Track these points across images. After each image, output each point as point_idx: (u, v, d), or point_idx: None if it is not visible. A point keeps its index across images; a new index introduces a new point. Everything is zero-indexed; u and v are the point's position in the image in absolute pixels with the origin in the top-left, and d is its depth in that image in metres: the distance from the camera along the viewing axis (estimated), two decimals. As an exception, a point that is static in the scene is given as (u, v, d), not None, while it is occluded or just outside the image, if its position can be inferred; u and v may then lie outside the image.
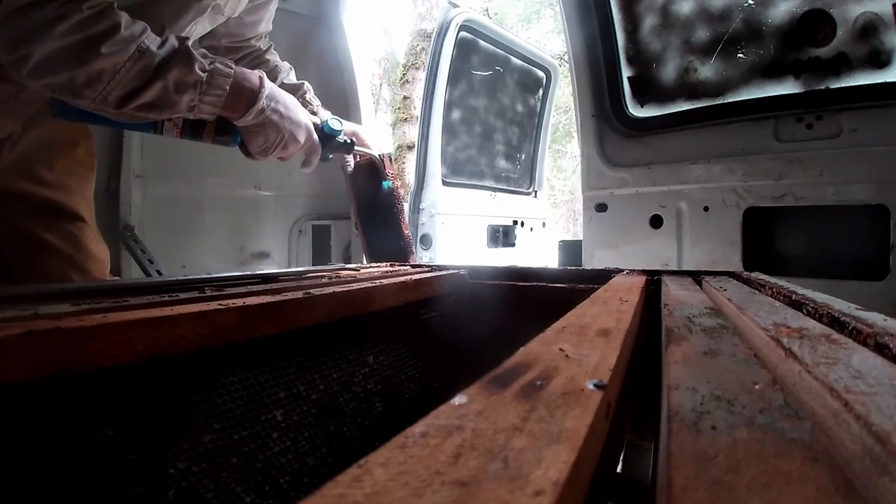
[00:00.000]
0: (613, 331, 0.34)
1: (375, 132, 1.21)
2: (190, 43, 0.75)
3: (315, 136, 0.96)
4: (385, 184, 1.20)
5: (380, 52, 9.80)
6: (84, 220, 1.02)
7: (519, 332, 0.36)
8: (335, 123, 1.03)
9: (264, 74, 0.85)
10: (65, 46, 0.67)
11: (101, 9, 0.69)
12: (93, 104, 0.71)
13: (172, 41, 0.74)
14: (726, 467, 0.16)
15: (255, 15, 1.09)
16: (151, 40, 0.72)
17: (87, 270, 1.00)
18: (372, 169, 1.20)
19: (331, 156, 1.05)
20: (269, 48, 1.19)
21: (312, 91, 1.17)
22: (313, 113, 1.05)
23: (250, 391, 0.49)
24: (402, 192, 1.26)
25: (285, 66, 1.19)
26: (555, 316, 0.39)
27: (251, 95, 0.81)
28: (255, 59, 1.15)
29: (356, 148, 1.09)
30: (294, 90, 1.13)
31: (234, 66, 0.80)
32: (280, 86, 1.10)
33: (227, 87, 0.78)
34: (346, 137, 1.06)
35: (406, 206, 2.62)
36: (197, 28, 0.92)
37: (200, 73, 0.75)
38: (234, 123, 0.84)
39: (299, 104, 0.92)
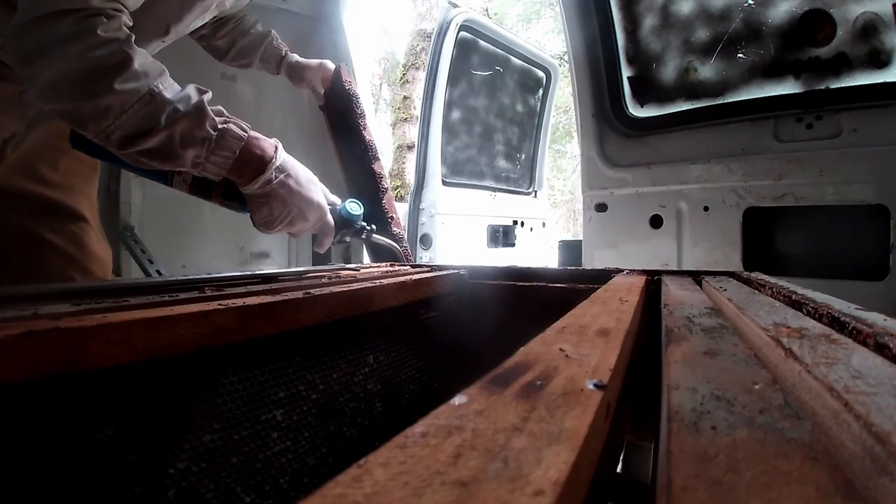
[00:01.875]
0: (613, 331, 0.34)
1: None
2: (207, 98, 0.72)
3: (328, 217, 0.89)
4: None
5: (380, 52, 9.81)
6: (86, 220, 1.02)
7: (519, 332, 0.36)
8: (353, 207, 0.95)
9: (280, 144, 0.82)
10: (75, 71, 0.65)
11: (115, 36, 0.66)
12: (96, 139, 0.69)
13: (190, 92, 0.71)
14: (726, 467, 0.16)
15: None
16: (167, 85, 0.70)
17: (88, 270, 1.00)
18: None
19: (347, 239, 0.98)
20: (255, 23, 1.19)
21: (279, 38, 1.18)
22: (282, 57, 1.04)
23: (250, 391, 0.49)
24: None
25: (266, 31, 1.20)
26: (555, 316, 0.39)
27: (260, 164, 0.77)
28: (239, 25, 1.15)
29: (375, 237, 1.02)
30: (262, 38, 1.16)
31: (248, 129, 0.77)
32: (250, 40, 1.09)
33: (237, 151, 0.74)
34: (364, 224, 0.98)
35: (407, 206, 2.63)
36: (197, 21, 0.92)
37: (211, 130, 0.72)
38: (240, 189, 0.80)
39: (316, 180, 0.88)
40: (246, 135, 0.76)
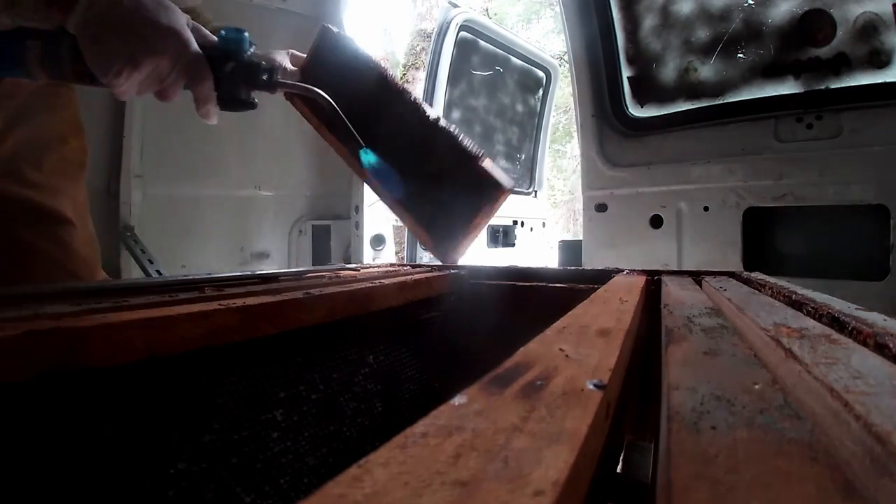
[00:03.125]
0: (613, 331, 0.34)
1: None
2: None
3: (194, 47, 0.64)
4: (363, 154, 0.79)
5: (380, 52, 9.80)
6: (72, 223, 0.99)
7: (519, 332, 0.36)
8: (230, 31, 0.68)
9: None
10: None
11: None
12: None
13: None
14: (726, 467, 0.16)
15: None
16: None
17: (74, 273, 0.98)
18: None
19: (246, 95, 0.70)
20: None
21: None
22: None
23: (250, 391, 0.49)
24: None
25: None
26: (555, 316, 0.39)
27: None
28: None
29: (282, 81, 0.75)
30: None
31: None
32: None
33: None
34: (259, 61, 0.70)
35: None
36: None
37: None
38: (68, 29, 0.61)
39: (171, 5, 0.64)
40: None
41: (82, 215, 1.01)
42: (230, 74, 0.67)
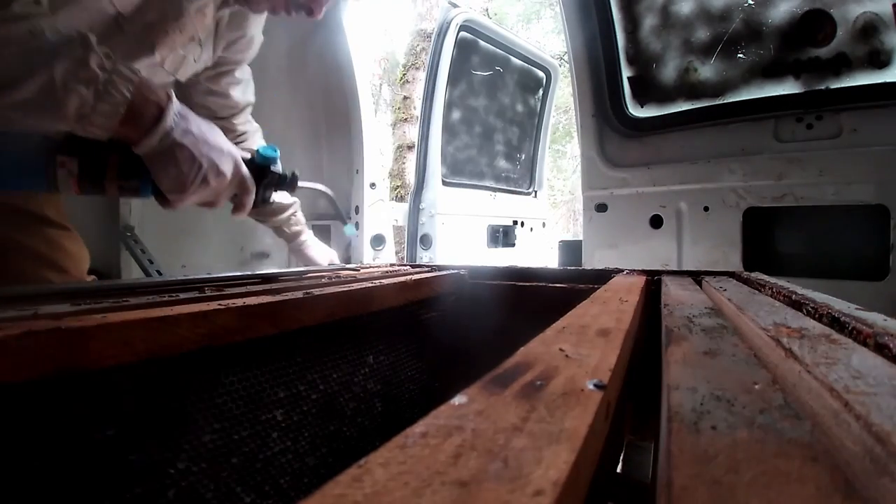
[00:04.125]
0: (613, 331, 0.34)
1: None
2: (93, 40, 0.59)
3: (243, 167, 0.77)
4: (348, 229, 1.12)
5: (380, 52, 9.80)
6: (58, 224, 0.98)
7: (519, 332, 0.36)
8: (267, 151, 0.83)
9: (170, 89, 0.70)
10: None
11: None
12: None
13: (72, 32, 0.58)
14: (726, 467, 0.16)
15: (219, 84, 1.01)
16: (49, 27, 0.57)
17: (65, 270, 0.96)
18: None
19: (271, 198, 0.86)
20: (254, 132, 1.11)
21: (300, 212, 1.13)
22: (294, 236, 0.98)
23: (250, 391, 0.49)
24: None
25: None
26: (555, 316, 0.39)
27: (157, 109, 0.64)
28: (236, 141, 1.07)
29: (302, 183, 0.90)
30: (281, 210, 1.10)
31: (137, 71, 0.63)
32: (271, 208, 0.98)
33: (129, 95, 0.60)
34: (285, 169, 0.86)
35: (407, 206, 2.63)
36: (190, 56, 0.87)
37: (97, 70, 0.58)
38: (137, 151, 0.66)
39: (217, 129, 0.75)
40: (136, 77, 0.62)
41: (64, 216, 0.99)
42: (266, 184, 0.83)
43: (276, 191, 0.87)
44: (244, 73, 1.06)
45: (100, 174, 0.69)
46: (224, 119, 1.06)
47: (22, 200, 0.92)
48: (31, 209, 0.93)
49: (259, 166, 0.81)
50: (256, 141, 1.12)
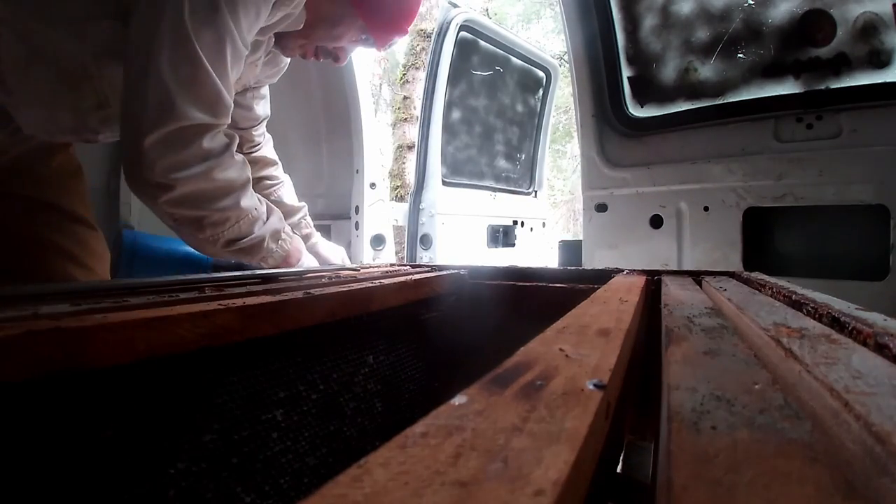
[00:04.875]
0: (613, 331, 0.34)
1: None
2: (284, 227, 0.95)
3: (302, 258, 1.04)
4: None
5: (380, 53, 9.80)
6: (85, 220, 1.02)
7: (519, 332, 0.36)
8: None
9: (303, 246, 1.00)
10: (215, 188, 0.78)
11: (241, 158, 0.83)
12: (203, 239, 0.82)
13: (274, 219, 0.92)
14: (726, 467, 0.16)
15: (245, 97, 1.10)
16: (257, 204, 0.89)
17: (90, 268, 1.00)
18: None
19: None
20: (267, 142, 1.23)
21: (308, 216, 1.23)
22: (305, 238, 1.16)
23: (250, 391, 0.49)
24: None
25: (284, 178, 1.24)
26: (555, 316, 0.39)
27: (296, 259, 0.97)
28: (252, 150, 1.17)
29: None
30: (292, 213, 1.21)
31: (293, 237, 0.97)
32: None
33: (288, 248, 0.94)
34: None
35: (407, 206, 2.63)
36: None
37: (283, 245, 0.93)
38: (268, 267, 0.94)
39: (310, 256, 1.03)
40: (292, 246, 0.96)
41: (92, 217, 1.04)
42: None
43: None
44: (266, 89, 1.16)
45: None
46: (243, 130, 1.14)
47: (55, 196, 0.95)
48: (64, 206, 0.96)
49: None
50: (269, 150, 1.22)
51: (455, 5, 2.52)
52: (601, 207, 1.89)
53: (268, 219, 0.90)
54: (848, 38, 1.46)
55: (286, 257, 0.95)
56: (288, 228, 0.97)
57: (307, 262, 1.00)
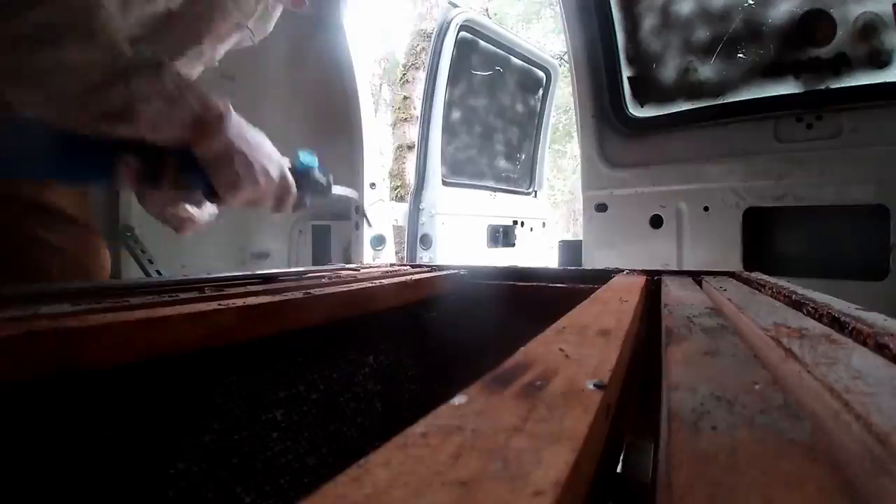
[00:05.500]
0: (613, 331, 0.34)
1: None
2: (167, 59, 0.69)
3: (289, 174, 0.83)
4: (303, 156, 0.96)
5: (380, 52, 9.80)
6: (84, 220, 1.01)
7: (519, 332, 0.36)
8: (308, 158, 0.87)
9: (228, 101, 0.76)
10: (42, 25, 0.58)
11: None
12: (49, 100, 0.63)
13: (145, 51, 0.68)
14: (726, 467, 0.15)
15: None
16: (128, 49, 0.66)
17: (90, 269, 0.99)
18: None
19: (307, 200, 0.89)
20: None
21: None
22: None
23: (250, 391, 0.49)
24: None
25: None
26: (555, 316, 0.39)
27: (218, 119, 0.72)
28: None
29: (336, 190, 0.93)
30: None
31: (199, 86, 0.72)
32: None
33: (197, 108, 0.70)
34: (322, 176, 0.89)
35: (407, 206, 2.63)
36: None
37: (171, 86, 0.68)
38: (197, 154, 0.72)
39: (266, 137, 0.82)
40: (201, 91, 0.72)
41: (91, 219, 1.03)
42: (305, 188, 0.86)
43: (312, 194, 0.90)
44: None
45: (159, 172, 0.73)
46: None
47: (54, 197, 0.94)
48: (63, 207, 0.95)
49: (300, 172, 0.86)
50: None
51: (455, 5, 2.52)
52: (601, 207, 1.89)
53: (136, 64, 0.66)
54: (848, 38, 1.46)
55: (197, 114, 0.70)
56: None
57: (240, 119, 0.77)
